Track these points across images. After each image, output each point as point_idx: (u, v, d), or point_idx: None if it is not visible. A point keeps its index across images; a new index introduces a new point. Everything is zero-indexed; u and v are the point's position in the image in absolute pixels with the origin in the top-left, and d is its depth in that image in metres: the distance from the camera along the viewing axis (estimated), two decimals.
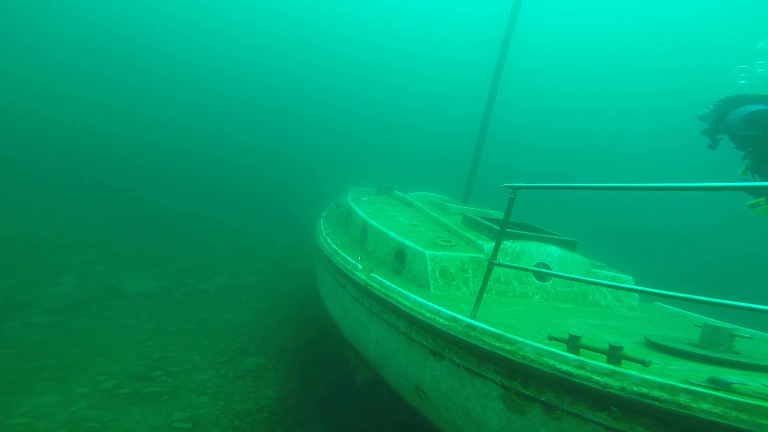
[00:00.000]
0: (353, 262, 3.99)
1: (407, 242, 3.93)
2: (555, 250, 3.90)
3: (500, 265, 2.48)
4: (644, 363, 1.65)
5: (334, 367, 5.77)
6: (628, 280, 4.14)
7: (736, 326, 2.23)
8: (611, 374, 1.65)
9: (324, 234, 5.49)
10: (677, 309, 4.43)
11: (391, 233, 4.29)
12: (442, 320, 2.57)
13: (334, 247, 4.70)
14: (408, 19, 37.02)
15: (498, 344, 2.15)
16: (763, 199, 3.95)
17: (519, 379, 2.02)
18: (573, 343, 1.93)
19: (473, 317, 2.53)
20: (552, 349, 1.90)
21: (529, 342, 2.01)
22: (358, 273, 3.78)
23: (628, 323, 3.19)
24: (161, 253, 11.31)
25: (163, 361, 5.70)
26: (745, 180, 4.06)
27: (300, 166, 29.50)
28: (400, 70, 38.07)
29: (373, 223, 4.82)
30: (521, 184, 2.34)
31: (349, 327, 4.11)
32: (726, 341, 2.13)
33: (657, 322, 3.60)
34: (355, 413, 4.84)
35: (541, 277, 3.73)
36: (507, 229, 3.88)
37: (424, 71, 37.41)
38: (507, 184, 2.39)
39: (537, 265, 3.76)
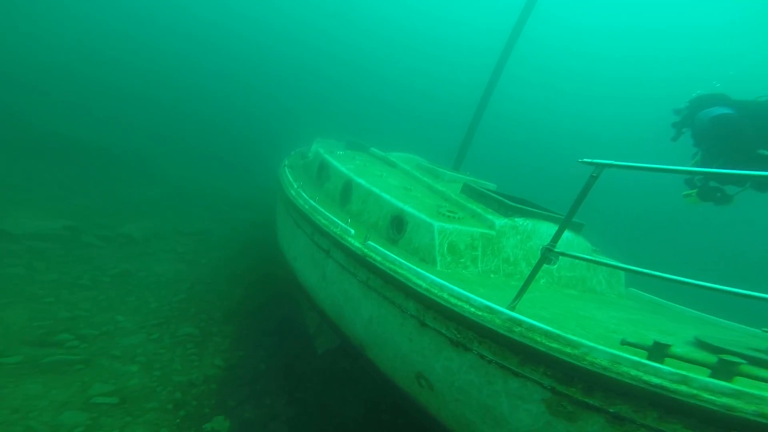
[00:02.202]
0: (343, 225, 3.42)
1: (408, 209, 3.42)
2: (564, 232, 3.61)
3: (560, 254, 2.08)
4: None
5: (291, 334, 5.25)
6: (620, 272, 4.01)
7: None
8: (735, 395, 1.36)
9: (296, 186, 4.79)
10: (649, 295, 4.41)
11: (386, 196, 3.75)
12: (473, 309, 2.16)
13: (313, 203, 4.06)
14: None
15: (554, 345, 1.79)
16: (695, 191, 4.14)
17: (580, 386, 1.69)
18: (659, 352, 1.61)
19: (513, 308, 2.13)
20: (633, 358, 1.59)
21: (599, 347, 1.67)
22: (349, 239, 3.23)
23: (643, 315, 3.02)
24: (63, 183, 9.04)
25: (73, 322, 4.60)
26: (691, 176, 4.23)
27: (247, 111, 27.28)
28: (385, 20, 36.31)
29: (361, 181, 4.23)
30: (605, 161, 1.91)
31: (328, 297, 3.58)
32: None
33: (656, 312, 3.49)
34: (316, 385, 4.41)
35: (549, 259, 3.44)
36: (519, 205, 3.53)
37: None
38: (587, 160, 1.95)
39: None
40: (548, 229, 3.53)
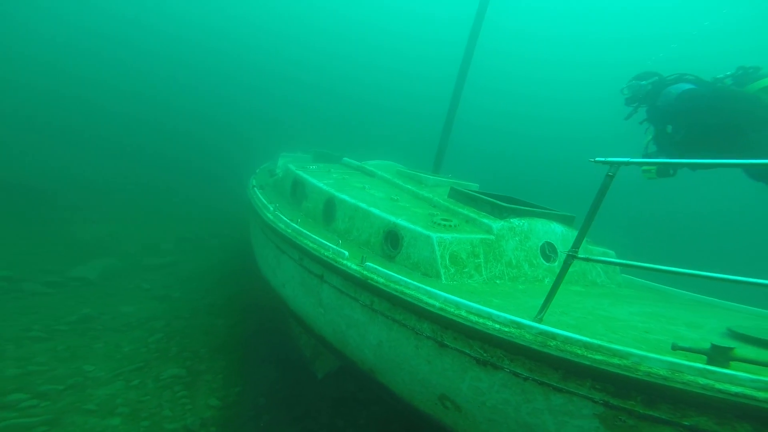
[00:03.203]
0: (334, 247, 3.26)
1: (402, 222, 3.30)
2: (557, 227, 3.62)
3: (583, 259, 2.02)
4: None
5: (287, 361, 5.02)
6: (611, 254, 4.06)
7: None
8: None
9: (272, 209, 4.56)
10: (641, 280, 4.50)
11: (375, 210, 3.61)
12: (497, 325, 2.07)
13: (296, 226, 3.87)
14: None
15: (599, 357, 1.72)
16: (654, 167, 4.31)
17: (639, 398, 1.62)
18: (721, 356, 1.56)
19: (540, 320, 2.06)
20: (695, 365, 1.53)
21: (651, 355, 1.61)
22: (344, 261, 3.08)
23: (656, 306, 3.02)
24: None
25: (26, 379, 4.08)
26: (647, 150, 4.51)
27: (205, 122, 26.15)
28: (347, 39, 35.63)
29: (344, 197, 4.07)
30: (621, 159, 1.86)
31: (328, 324, 3.41)
32: None
33: (662, 300, 3.54)
34: (324, 411, 4.22)
35: (548, 257, 3.43)
36: (513, 206, 3.49)
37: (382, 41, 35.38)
38: (601, 159, 1.90)
39: (543, 245, 3.44)
40: (543, 226, 3.51)
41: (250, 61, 32.97)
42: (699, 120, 3.91)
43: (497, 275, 3.09)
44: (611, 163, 1.86)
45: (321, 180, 4.82)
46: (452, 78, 5.28)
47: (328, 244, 3.34)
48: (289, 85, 33.01)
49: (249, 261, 8.83)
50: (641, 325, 2.32)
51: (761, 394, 1.38)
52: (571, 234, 3.71)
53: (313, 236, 3.56)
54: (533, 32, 32.40)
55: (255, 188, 5.81)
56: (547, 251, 3.45)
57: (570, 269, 3.50)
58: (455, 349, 2.27)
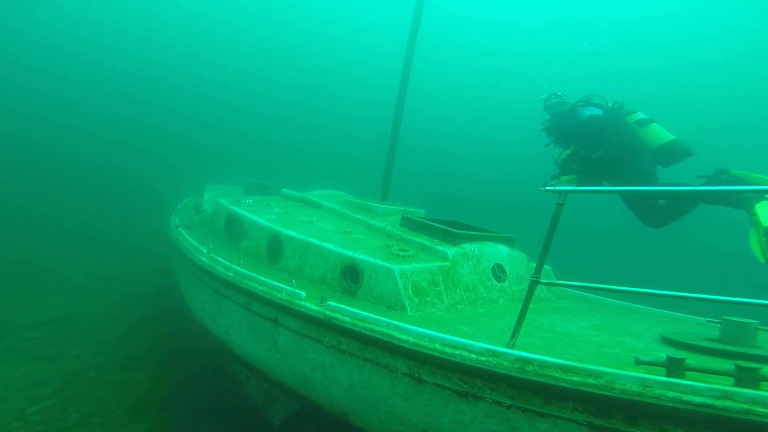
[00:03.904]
0: (288, 288, 3.12)
1: (360, 256, 3.27)
2: (503, 249, 3.83)
3: (546, 283, 2.15)
4: None
5: (234, 410, 4.65)
6: (548, 270, 4.36)
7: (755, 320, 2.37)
8: None
9: (206, 252, 4.25)
10: (574, 291, 4.85)
11: (330, 246, 3.54)
12: (474, 356, 2.11)
13: (238, 269, 3.64)
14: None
15: (576, 378, 1.82)
16: (567, 177, 4.90)
17: (619, 416, 1.73)
18: (677, 367, 1.73)
19: (513, 346, 2.14)
20: (661, 378, 1.67)
21: (622, 372, 1.74)
22: (302, 303, 2.96)
23: (599, 318, 3.28)
24: None
25: None
26: (565, 165, 4.98)
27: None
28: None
29: (291, 233, 3.94)
30: (570, 188, 2.03)
31: (287, 369, 3.23)
32: (751, 335, 2.26)
33: (599, 311, 3.85)
34: None
35: (498, 278, 3.60)
36: (464, 231, 3.63)
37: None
38: (552, 188, 2.05)
39: (494, 266, 3.61)
40: (491, 249, 3.70)
41: (168, 83, 31.01)
42: (611, 142, 4.45)
43: (458, 301, 3.18)
44: (560, 192, 2.02)
45: (261, 216, 4.62)
46: (389, 102, 5.43)
47: (280, 285, 3.19)
48: (213, 107, 31.43)
49: (169, 303, 7.90)
50: (595, 339, 2.52)
51: (720, 403, 1.52)
52: (515, 254, 3.95)
53: (261, 278, 3.38)
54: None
55: (179, 228, 5.37)
56: (497, 272, 3.63)
57: (519, 287, 3.74)
58: (434, 383, 2.28)
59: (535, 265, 4.21)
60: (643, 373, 1.71)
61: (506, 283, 3.62)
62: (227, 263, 3.82)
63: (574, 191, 2.05)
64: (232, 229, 4.94)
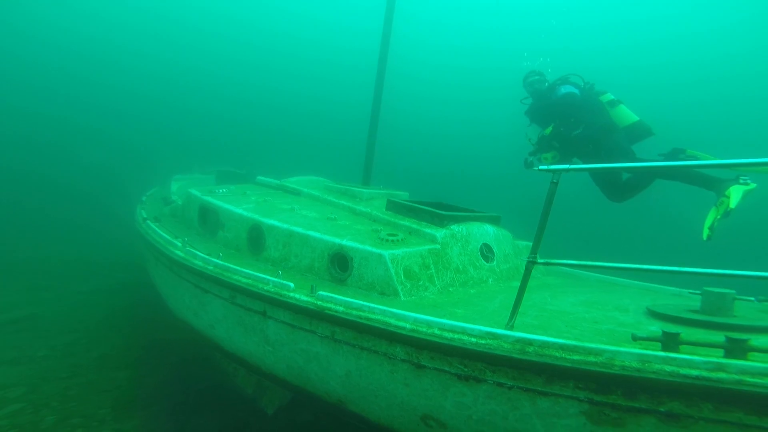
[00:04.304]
0: (275, 279, 3.03)
1: (348, 243, 3.21)
2: (490, 228, 3.85)
3: (544, 263, 2.14)
4: None
5: (225, 402, 4.56)
6: (527, 247, 4.43)
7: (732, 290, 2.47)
8: None
9: (180, 245, 4.08)
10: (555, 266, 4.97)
11: (315, 234, 3.46)
12: (474, 339, 2.12)
13: (219, 262, 3.50)
14: None
15: (576, 357, 1.85)
16: (550, 154, 4.92)
17: (619, 392, 1.78)
18: (672, 341, 1.78)
19: (511, 328, 2.16)
20: (660, 354, 1.71)
21: (622, 349, 1.78)
22: (292, 294, 2.89)
23: (588, 294, 3.34)
24: None
25: None
26: (547, 143, 4.94)
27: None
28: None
29: (273, 222, 3.82)
30: (563, 166, 2.02)
31: (280, 361, 3.18)
32: (730, 306, 2.36)
33: (585, 285, 3.93)
34: None
35: (487, 257, 3.62)
36: (451, 213, 3.61)
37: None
38: (545, 167, 2.04)
39: (481, 246, 3.63)
40: (478, 229, 3.70)
41: (136, 66, 29.28)
42: (589, 120, 4.50)
43: (449, 283, 3.18)
44: (554, 171, 2.01)
45: (238, 205, 4.46)
46: (367, 84, 5.29)
47: (266, 277, 3.10)
48: (182, 90, 29.96)
49: (140, 295, 7.70)
50: (587, 315, 2.57)
51: (714, 375, 1.59)
52: (501, 233, 3.97)
53: (245, 270, 3.27)
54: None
55: (147, 222, 5.14)
56: (485, 252, 3.65)
57: (506, 266, 3.78)
58: (434, 368, 2.28)
59: (521, 243, 4.32)
60: (640, 349, 1.75)
61: (494, 262, 3.65)
62: (206, 257, 3.68)
63: (568, 170, 2.04)
64: (207, 221, 4.76)
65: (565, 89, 4.88)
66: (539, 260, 2.11)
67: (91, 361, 5.39)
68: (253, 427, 4.18)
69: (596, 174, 4.70)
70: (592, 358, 1.81)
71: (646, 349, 1.76)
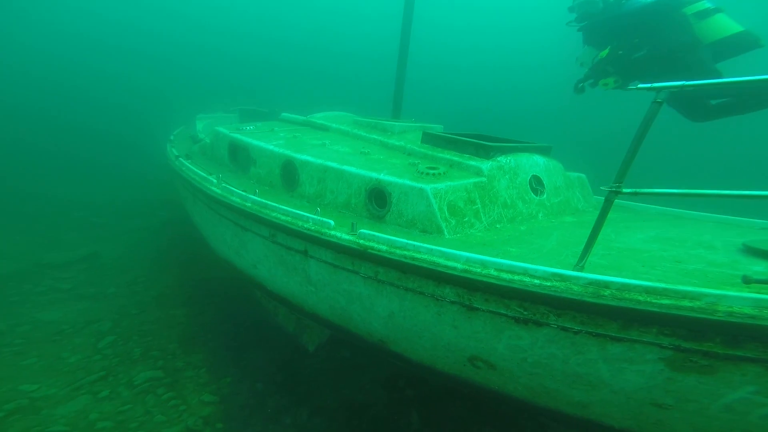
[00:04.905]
0: (315, 217, 2.89)
1: (386, 177, 2.99)
2: (539, 159, 3.51)
3: (631, 192, 1.81)
4: None
5: (271, 340, 4.75)
6: (583, 178, 4.07)
7: None
8: None
9: (216, 183, 3.99)
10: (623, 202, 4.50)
11: (350, 168, 3.25)
12: (537, 281, 1.92)
13: (257, 198, 3.39)
14: None
15: (666, 302, 1.62)
16: (611, 78, 4.35)
17: (718, 339, 1.56)
18: None
19: (581, 268, 1.93)
20: None
21: (729, 293, 1.52)
22: (332, 232, 2.75)
23: (658, 229, 3.01)
24: None
25: None
26: (602, 69, 4.37)
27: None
28: None
29: (306, 157, 3.63)
30: (668, 84, 1.66)
31: (322, 301, 3.14)
32: None
33: (651, 219, 3.56)
34: (327, 384, 4.09)
35: (536, 191, 3.33)
36: (497, 144, 3.29)
37: None
38: (645, 86, 1.68)
39: (531, 179, 3.33)
40: (527, 160, 3.38)
41: (157, 6, 28.38)
42: (661, 38, 3.87)
43: (496, 219, 2.95)
44: (658, 89, 1.66)
45: (268, 141, 4.27)
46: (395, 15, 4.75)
47: (306, 214, 2.96)
48: (204, 32, 28.94)
49: (180, 235, 8.07)
50: (666, 254, 2.30)
51: None
52: (552, 164, 3.63)
53: (284, 207, 3.14)
54: None
55: (180, 159, 5.06)
56: (534, 185, 3.35)
57: (557, 200, 3.48)
58: (488, 311, 2.13)
59: (572, 174, 3.93)
60: (756, 294, 1.50)
61: (545, 195, 3.36)
62: (243, 193, 3.57)
63: (682, 86, 1.65)
64: (238, 157, 4.64)
65: (638, 2, 4.16)
66: (625, 189, 1.79)
67: (151, 299, 5.84)
68: (296, 362, 4.36)
69: (679, 96, 4.08)
70: (686, 303, 1.59)
71: (759, 293, 1.51)
